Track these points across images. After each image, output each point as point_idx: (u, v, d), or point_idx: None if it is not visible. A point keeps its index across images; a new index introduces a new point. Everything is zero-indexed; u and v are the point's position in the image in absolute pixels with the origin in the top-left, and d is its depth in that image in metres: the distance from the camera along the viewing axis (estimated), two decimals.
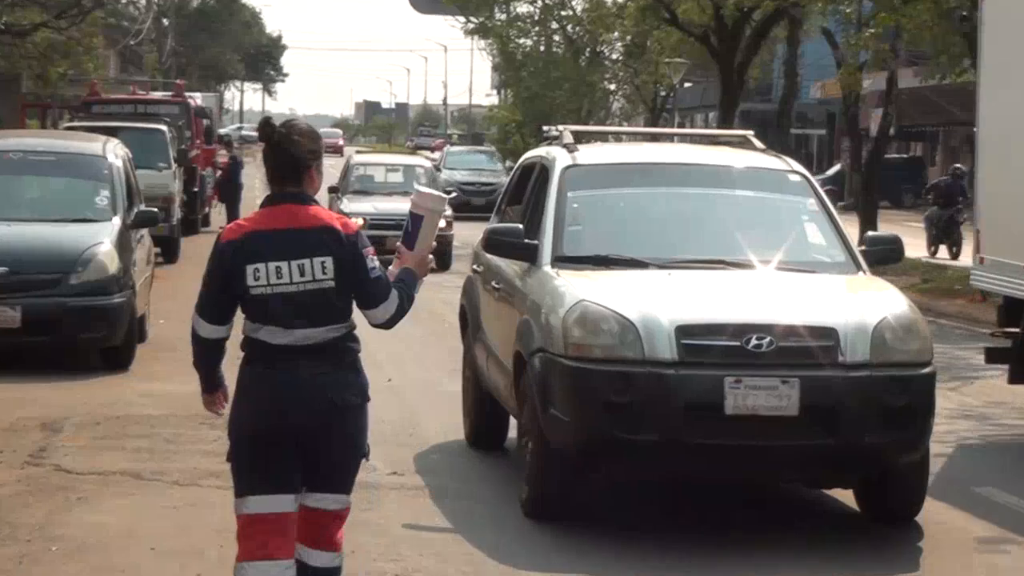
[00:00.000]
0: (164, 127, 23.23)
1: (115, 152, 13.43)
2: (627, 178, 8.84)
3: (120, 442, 9.30)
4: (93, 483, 8.24)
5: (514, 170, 9.98)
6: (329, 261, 5.26)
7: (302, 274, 5.26)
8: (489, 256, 8.78)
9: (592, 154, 9.08)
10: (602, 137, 9.99)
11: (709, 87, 43.15)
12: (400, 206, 20.30)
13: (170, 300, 16.40)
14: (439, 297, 16.56)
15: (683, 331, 7.27)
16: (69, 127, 22.79)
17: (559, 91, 43.62)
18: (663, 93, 43.20)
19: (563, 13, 45.29)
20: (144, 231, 13.59)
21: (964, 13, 20.91)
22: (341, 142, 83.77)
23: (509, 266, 8.62)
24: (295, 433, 5.29)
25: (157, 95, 29.84)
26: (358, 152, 28.85)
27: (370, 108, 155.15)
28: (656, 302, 7.42)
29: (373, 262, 5.34)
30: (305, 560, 5.40)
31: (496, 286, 8.86)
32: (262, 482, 5.32)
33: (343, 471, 5.42)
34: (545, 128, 9.85)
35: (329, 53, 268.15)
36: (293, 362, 5.29)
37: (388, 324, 5.45)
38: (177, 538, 7.23)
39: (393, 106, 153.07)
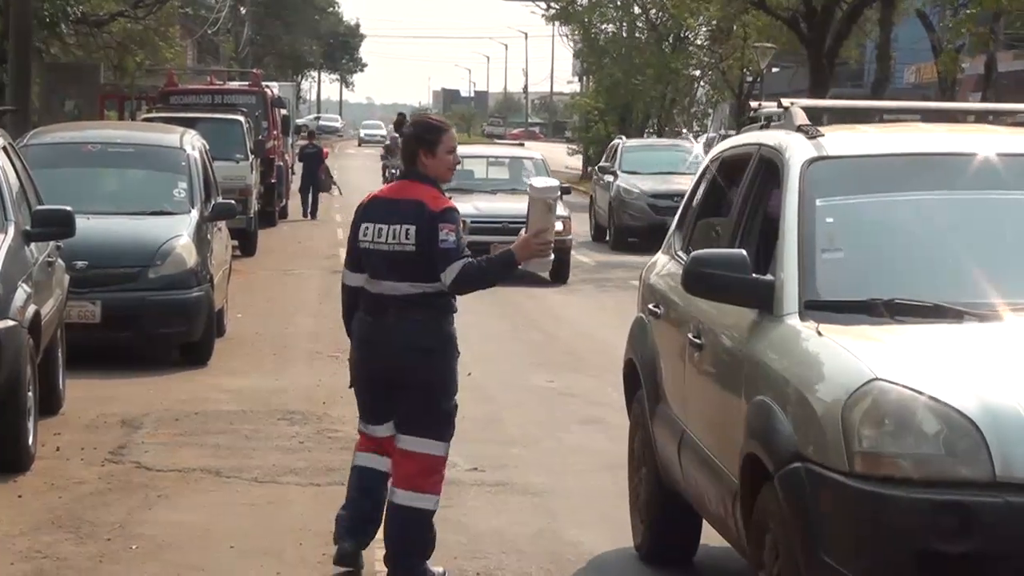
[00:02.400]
0: (241, 118, 23.39)
1: (192, 144, 13.57)
2: (909, 177, 5.76)
3: (199, 438, 9.40)
4: (173, 480, 8.33)
5: (705, 164, 7.16)
6: (412, 229, 6.36)
7: (393, 236, 6.40)
8: (688, 296, 5.85)
9: (846, 141, 5.91)
10: (845, 117, 6.53)
11: (798, 72, 42.78)
12: (506, 206, 19.13)
13: (247, 294, 16.59)
14: (524, 292, 16.59)
15: None
16: (147, 118, 22.99)
17: (642, 78, 43.47)
18: (750, 79, 42.90)
19: None
20: (222, 223, 13.71)
21: None
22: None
23: (724, 313, 5.72)
24: (380, 368, 6.44)
25: (234, 85, 30.08)
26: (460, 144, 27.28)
27: (448, 96, 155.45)
28: (1003, 381, 4.60)
29: (447, 235, 6.35)
30: (389, 497, 6.45)
31: (697, 340, 6.00)
32: (371, 414, 6.58)
33: (423, 414, 6.41)
34: (753, 104, 7.14)
35: (407, 41, 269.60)
36: (384, 310, 6.42)
37: (453, 288, 6.40)
38: (256, 537, 7.29)
39: (472, 95, 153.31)
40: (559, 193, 6.62)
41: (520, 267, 6.55)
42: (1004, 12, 24.05)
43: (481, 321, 14.88)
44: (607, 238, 26.66)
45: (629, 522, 7.48)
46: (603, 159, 29.81)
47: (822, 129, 5.90)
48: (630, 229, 25.35)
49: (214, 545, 7.12)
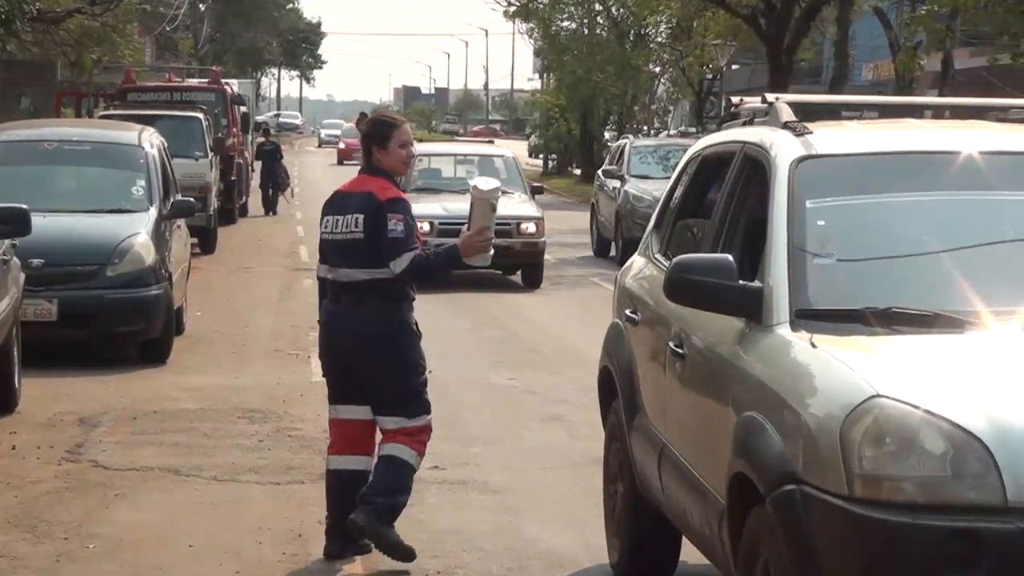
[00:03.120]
0: (200, 115, 23.31)
1: (151, 141, 13.51)
2: (905, 176, 5.40)
3: (158, 437, 9.35)
4: (131, 479, 8.28)
5: (684, 162, 6.84)
6: (361, 217, 6.69)
7: (345, 226, 6.74)
8: (669, 303, 5.49)
9: (834, 139, 5.56)
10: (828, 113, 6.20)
11: (757, 69, 42.94)
12: None
13: (207, 292, 16.52)
14: (486, 294, 16.56)
15: None
16: (104, 115, 22.92)
17: (603, 75, 43.52)
18: (710, 76, 43.04)
19: None
20: (181, 221, 13.65)
21: None
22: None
23: (707, 321, 5.36)
24: (340, 354, 6.78)
25: (193, 82, 29.98)
26: (421, 141, 22.61)
27: (409, 93, 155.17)
28: (1013, 397, 4.29)
29: (395, 225, 6.64)
30: (381, 452, 6.82)
31: (679, 350, 5.65)
32: (336, 395, 6.89)
33: (394, 395, 6.77)
34: (734, 99, 6.62)
35: (368, 38, 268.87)
36: (341, 297, 6.77)
37: (401, 278, 6.70)
38: (215, 536, 7.25)
39: (433, 92, 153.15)
40: (499, 194, 6.92)
41: (463, 261, 6.86)
42: (961, 9, 24.21)
43: (441, 319, 14.85)
44: (612, 253, 23.12)
45: (589, 520, 7.48)
46: (607, 161, 26.67)
47: (810, 126, 5.52)
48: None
49: (173, 544, 7.09)
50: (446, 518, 7.74)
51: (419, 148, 20.06)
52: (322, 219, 6.91)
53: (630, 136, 31.32)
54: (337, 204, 6.86)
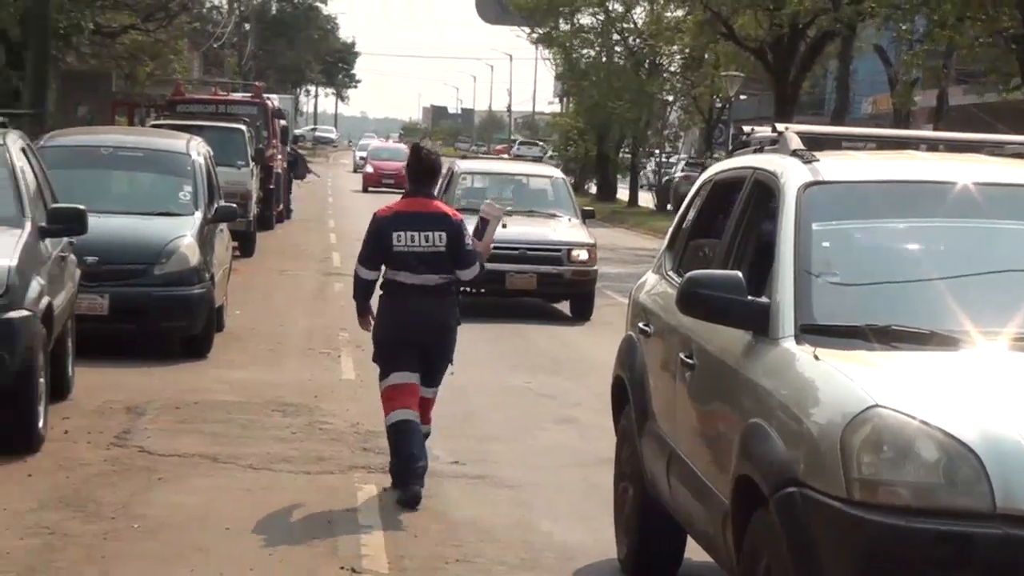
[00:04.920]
0: (243, 127, 23.35)
1: (198, 150, 13.55)
2: (905, 204, 5.51)
3: (199, 426, 9.38)
4: (173, 465, 8.32)
5: (697, 186, 6.91)
6: (444, 234, 7.86)
7: (427, 240, 7.84)
8: (680, 316, 5.59)
9: (840, 167, 5.68)
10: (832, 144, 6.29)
11: (764, 100, 42.92)
12: (524, 230, 15.94)
13: (246, 292, 16.55)
14: (505, 303, 16.55)
15: None
16: (155, 125, 22.97)
17: (620, 101, 43.53)
18: (719, 105, 43.03)
19: (625, 25, 45.23)
20: (223, 225, 13.69)
21: (1016, 32, 20.70)
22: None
23: (716, 334, 5.42)
24: (413, 339, 7.86)
25: (237, 96, 30.03)
26: (464, 158, 20.77)
27: (437, 113, 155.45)
28: (1004, 410, 4.33)
29: (469, 239, 7.99)
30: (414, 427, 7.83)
31: (689, 360, 5.72)
32: (391, 366, 7.88)
33: (438, 372, 8.10)
34: (746, 129, 6.77)
35: (399, 59, 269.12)
36: (417, 295, 7.84)
37: (471, 281, 8.09)
38: (250, 519, 7.27)
39: (459, 111, 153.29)
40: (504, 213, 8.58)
41: None
42: (956, 48, 24.18)
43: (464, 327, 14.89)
44: None
45: (599, 516, 7.49)
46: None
47: (817, 154, 5.63)
48: None
49: (211, 526, 7.11)
50: (465, 510, 7.76)
51: (463, 166, 18.76)
52: (389, 233, 7.82)
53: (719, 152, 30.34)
54: (409, 222, 7.86)
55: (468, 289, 15.27)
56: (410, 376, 7.88)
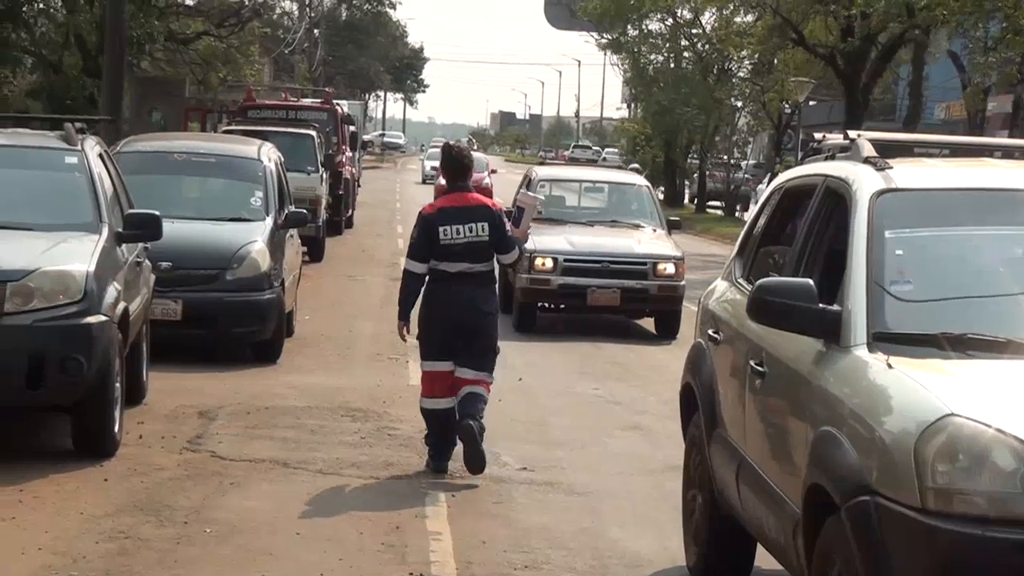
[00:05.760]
0: (313, 133, 23.48)
1: (269, 156, 13.66)
2: (979, 212, 5.47)
3: (269, 431, 9.46)
4: (244, 469, 8.39)
5: (767, 193, 6.90)
6: (486, 224, 8.52)
7: (471, 231, 8.51)
8: (750, 324, 5.56)
9: (913, 175, 5.63)
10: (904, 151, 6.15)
11: (835, 106, 42.60)
12: (607, 241, 15.35)
13: (316, 297, 16.67)
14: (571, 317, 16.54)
15: None
16: (227, 131, 23.16)
17: (688, 107, 43.39)
18: (789, 111, 42.76)
19: (693, 31, 45.07)
20: (293, 231, 13.79)
21: None
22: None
23: (787, 341, 5.40)
24: (456, 324, 8.48)
25: (307, 102, 30.25)
26: (542, 165, 19.91)
27: (505, 118, 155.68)
28: None
29: (508, 227, 8.67)
30: (460, 393, 8.56)
31: (759, 368, 5.71)
32: (431, 353, 8.59)
33: (481, 355, 8.59)
34: (817, 136, 6.76)
35: (468, 65, 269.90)
36: (459, 282, 8.50)
37: (511, 264, 9.26)
38: (320, 525, 7.33)
39: (527, 117, 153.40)
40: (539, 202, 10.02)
41: None
42: None
43: (530, 334, 14.90)
44: None
45: (667, 523, 7.48)
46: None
47: (890, 161, 5.60)
48: None
49: (281, 531, 7.17)
50: (533, 517, 7.77)
51: (542, 173, 17.44)
52: (435, 227, 8.47)
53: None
54: (453, 216, 8.49)
55: (547, 305, 15.37)
56: (444, 364, 8.56)
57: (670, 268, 15.04)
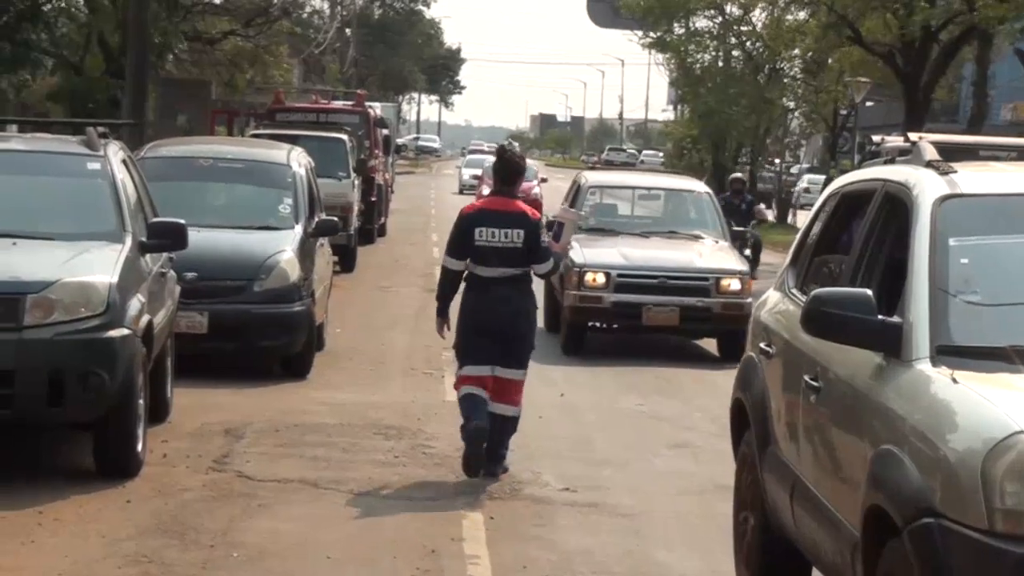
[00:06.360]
0: (345, 137, 23.53)
1: (299, 161, 13.70)
2: None
3: (298, 450, 9.48)
4: (272, 490, 8.40)
5: (823, 198, 6.84)
6: (521, 232, 8.90)
7: (506, 237, 8.91)
8: (805, 337, 5.52)
9: (979, 179, 5.56)
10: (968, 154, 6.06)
11: (893, 107, 42.41)
12: (664, 255, 14.69)
13: (346, 309, 16.70)
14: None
15: None
16: (255, 134, 23.26)
17: (736, 107, 43.26)
18: (844, 112, 42.58)
19: (742, 29, 44.95)
20: (324, 240, 13.82)
21: None
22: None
23: (844, 355, 5.37)
24: (494, 326, 8.91)
25: (338, 104, 30.35)
26: (591, 169, 18.71)
27: (545, 121, 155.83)
28: None
29: (544, 237, 9.02)
30: (494, 411, 8.97)
31: (814, 383, 5.67)
32: (472, 358, 9.00)
33: (519, 354, 9.04)
34: (875, 138, 6.78)
35: (506, 66, 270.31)
36: (495, 286, 8.94)
37: (546, 275, 9.36)
38: (352, 548, 7.34)
39: (568, 119, 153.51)
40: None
41: None
42: None
43: (569, 350, 14.85)
44: None
45: (717, 546, 7.44)
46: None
47: (954, 165, 5.52)
48: None
49: (311, 555, 7.18)
50: (577, 539, 7.76)
51: (592, 179, 16.72)
52: (471, 228, 8.92)
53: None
54: (491, 219, 8.94)
55: (600, 325, 14.89)
56: (481, 369, 8.96)
57: (735, 284, 14.29)
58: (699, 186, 16.97)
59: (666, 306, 14.28)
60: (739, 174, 25.43)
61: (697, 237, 15.45)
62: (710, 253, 14.91)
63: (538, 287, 16.51)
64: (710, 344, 15.33)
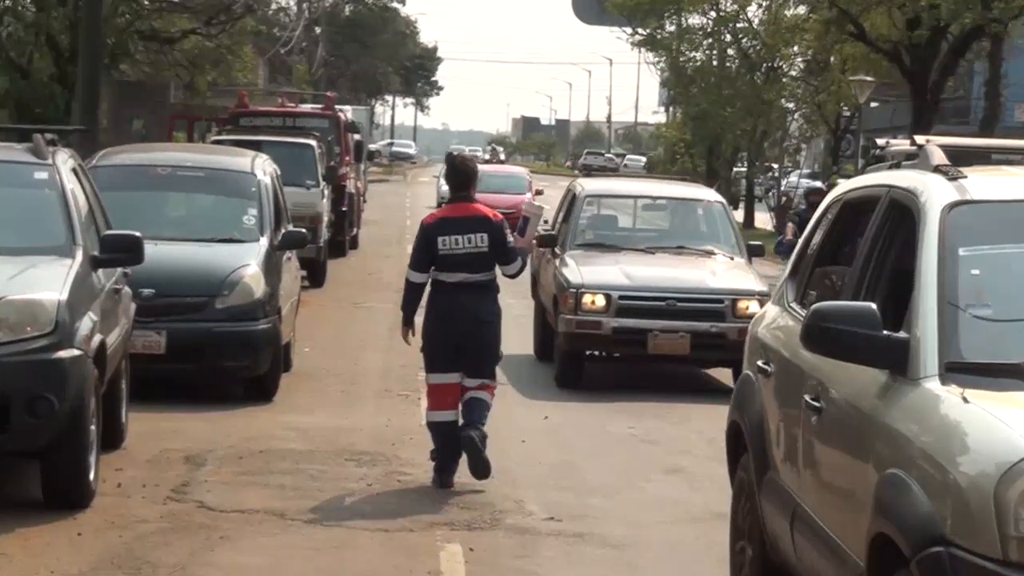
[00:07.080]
0: (313, 143, 23.49)
1: (264, 169, 13.68)
2: None
3: (264, 478, 9.47)
4: (236, 522, 8.39)
5: (824, 206, 6.83)
6: (485, 235, 9.39)
7: (469, 242, 9.37)
8: (805, 354, 5.56)
9: (991, 185, 5.55)
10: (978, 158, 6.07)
11: (899, 107, 42.57)
12: (672, 273, 13.96)
13: (315, 327, 16.69)
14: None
15: None
16: (216, 141, 23.26)
17: (731, 109, 43.38)
18: (847, 113, 42.72)
19: (738, 25, 45.10)
20: (291, 253, 13.80)
21: None
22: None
23: (847, 373, 5.36)
24: (457, 337, 9.39)
25: (307, 108, 30.34)
26: (585, 176, 18.45)
27: (528, 124, 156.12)
28: None
29: (509, 238, 9.48)
30: (465, 397, 9.48)
31: (815, 403, 5.66)
32: (435, 366, 9.51)
33: (483, 364, 9.50)
34: (880, 141, 6.72)
35: (486, 66, 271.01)
36: (459, 293, 9.41)
37: (513, 275, 9.76)
38: None
39: (553, 123, 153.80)
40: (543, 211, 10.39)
41: None
42: None
43: (548, 365, 14.84)
44: None
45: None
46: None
47: (964, 170, 5.49)
48: None
49: None
50: (562, 572, 7.76)
51: (589, 187, 15.98)
52: (434, 238, 9.38)
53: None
54: (453, 226, 9.39)
55: (600, 353, 14.26)
56: (449, 376, 9.47)
57: (754, 306, 12.99)
58: (710, 194, 16.21)
59: (675, 332, 13.51)
60: (820, 184, 24.69)
61: (709, 253, 14.72)
62: (724, 271, 14.18)
63: (527, 311, 16.29)
64: (723, 375, 14.32)
